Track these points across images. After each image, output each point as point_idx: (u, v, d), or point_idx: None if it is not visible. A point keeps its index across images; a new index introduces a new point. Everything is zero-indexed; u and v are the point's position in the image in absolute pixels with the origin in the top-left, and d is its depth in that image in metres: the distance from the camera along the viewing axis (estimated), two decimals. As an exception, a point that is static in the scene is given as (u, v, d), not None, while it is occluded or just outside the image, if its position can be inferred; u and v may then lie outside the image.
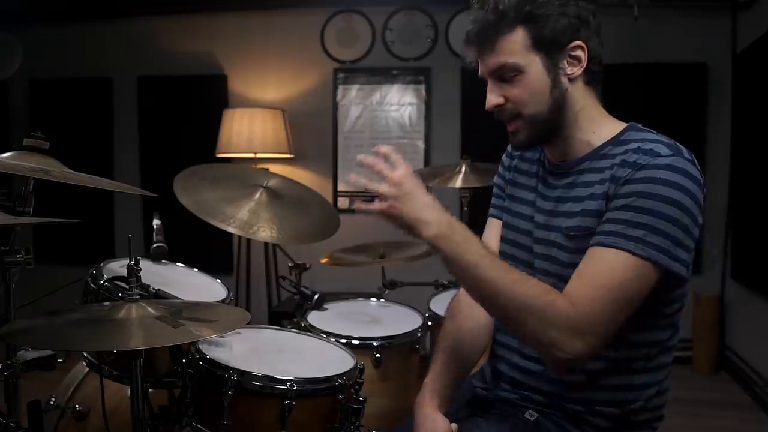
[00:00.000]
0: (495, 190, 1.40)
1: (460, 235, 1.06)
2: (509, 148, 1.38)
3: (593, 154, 1.14)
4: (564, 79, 1.12)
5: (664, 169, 1.01)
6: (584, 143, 1.15)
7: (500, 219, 1.35)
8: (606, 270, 1.01)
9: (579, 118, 1.15)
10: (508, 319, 1.08)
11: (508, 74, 1.11)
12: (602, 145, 1.14)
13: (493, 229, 1.36)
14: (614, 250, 1.01)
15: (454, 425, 1.17)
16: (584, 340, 1.00)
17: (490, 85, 1.15)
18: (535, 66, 1.10)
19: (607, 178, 1.08)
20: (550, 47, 1.10)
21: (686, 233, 1.01)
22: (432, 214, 1.07)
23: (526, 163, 1.31)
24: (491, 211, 1.40)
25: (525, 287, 1.03)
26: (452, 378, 1.25)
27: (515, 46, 1.09)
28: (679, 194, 1.00)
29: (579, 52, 1.11)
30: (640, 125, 1.16)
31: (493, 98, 1.14)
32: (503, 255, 1.30)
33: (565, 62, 1.11)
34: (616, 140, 1.13)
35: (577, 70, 1.12)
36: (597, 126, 1.16)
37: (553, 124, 1.14)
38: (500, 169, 1.39)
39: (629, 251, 1.00)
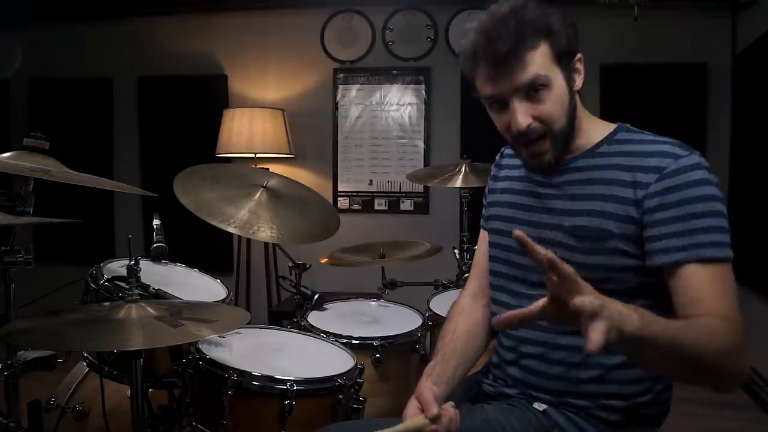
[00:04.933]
0: (484, 201, 1.42)
1: (648, 315, 0.90)
2: (498, 158, 1.42)
3: (588, 153, 1.17)
4: (573, 91, 1.14)
5: (696, 169, 1.05)
6: (579, 144, 1.18)
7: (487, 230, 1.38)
8: (715, 278, 1.02)
9: (577, 125, 1.17)
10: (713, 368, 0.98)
11: (538, 88, 1.08)
12: (597, 143, 1.17)
13: (484, 240, 1.39)
14: (714, 260, 1.02)
15: (450, 402, 1.16)
16: (744, 350, 0.99)
17: (516, 105, 1.09)
18: (558, 79, 1.10)
19: (627, 181, 1.09)
20: (566, 59, 1.12)
21: (726, 220, 1.05)
22: (625, 307, 0.88)
23: (514, 170, 1.33)
24: (481, 222, 1.43)
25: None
26: (450, 366, 1.25)
27: (542, 60, 1.08)
28: (714, 188, 1.05)
29: (579, 64, 1.15)
30: (629, 125, 1.19)
31: (523, 119, 1.09)
32: (494, 260, 1.32)
33: (574, 74, 1.14)
34: (611, 140, 1.17)
35: (580, 81, 1.15)
36: (589, 129, 1.19)
37: (570, 136, 1.16)
38: (489, 181, 1.42)
39: (726, 258, 1.02)
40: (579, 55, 1.14)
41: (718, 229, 1.03)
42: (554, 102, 1.10)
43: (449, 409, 1.10)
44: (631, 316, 0.85)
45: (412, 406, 1.14)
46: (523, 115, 1.09)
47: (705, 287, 1.02)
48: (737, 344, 0.98)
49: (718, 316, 0.99)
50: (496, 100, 1.13)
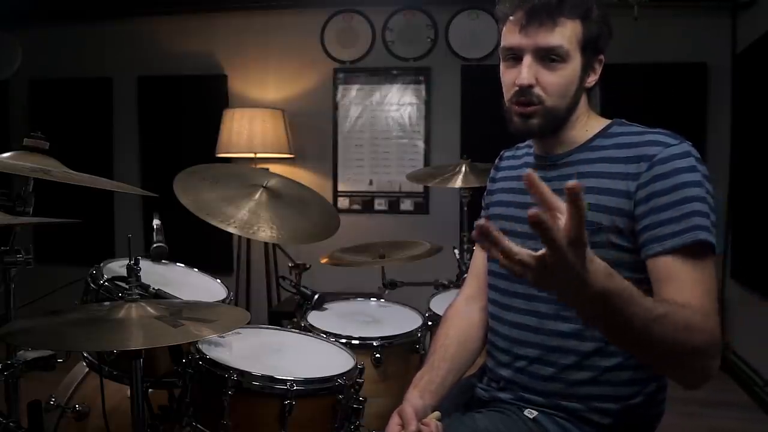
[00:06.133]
0: (483, 203, 1.43)
1: (625, 285, 0.85)
2: (497, 161, 1.42)
3: (582, 147, 1.19)
4: (583, 85, 1.16)
5: (686, 157, 1.05)
6: (575, 138, 1.20)
7: None
8: (700, 271, 1.01)
9: (577, 120, 1.19)
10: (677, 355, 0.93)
11: (554, 58, 1.10)
12: (592, 138, 1.19)
13: None
14: (694, 246, 1.01)
15: (436, 413, 1.16)
16: (719, 353, 0.97)
17: (528, 62, 1.11)
18: (575, 62, 1.12)
19: (619, 173, 1.09)
20: (590, 50, 1.14)
21: (713, 210, 1.05)
22: (594, 264, 0.80)
23: (512, 171, 1.33)
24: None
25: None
26: (439, 375, 1.26)
27: (571, 35, 1.10)
28: (703, 178, 1.05)
29: (598, 65, 1.17)
30: (623, 120, 1.21)
31: (528, 76, 1.11)
32: (492, 260, 1.31)
33: (590, 69, 1.16)
34: (605, 134, 1.18)
35: (592, 81, 1.17)
36: (586, 125, 1.21)
37: (562, 122, 1.17)
38: (488, 183, 1.42)
39: (707, 241, 1.00)
40: (601, 57, 1.16)
41: (707, 216, 1.02)
42: (562, 79, 1.12)
43: (431, 423, 1.11)
44: (599, 274, 0.78)
45: (394, 422, 1.15)
46: (529, 73, 1.11)
47: (693, 278, 1.00)
48: (717, 344, 0.96)
49: (702, 313, 0.97)
50: (513, 53, 1.14)
